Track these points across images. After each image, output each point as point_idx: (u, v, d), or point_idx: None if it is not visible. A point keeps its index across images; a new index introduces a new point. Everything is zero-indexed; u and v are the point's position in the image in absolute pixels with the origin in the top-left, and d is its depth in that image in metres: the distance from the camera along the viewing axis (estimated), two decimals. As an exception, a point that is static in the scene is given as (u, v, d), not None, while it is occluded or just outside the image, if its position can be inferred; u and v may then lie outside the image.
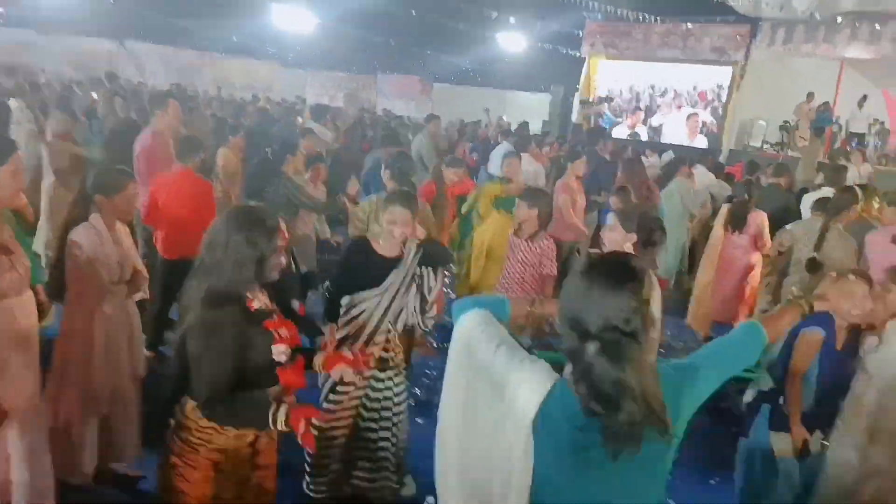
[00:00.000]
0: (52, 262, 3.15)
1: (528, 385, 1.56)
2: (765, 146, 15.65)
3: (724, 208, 5.96)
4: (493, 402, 1.63)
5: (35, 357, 2.71)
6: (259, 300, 2.24)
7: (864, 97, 14.33)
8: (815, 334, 2.89)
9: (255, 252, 2.16)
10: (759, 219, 5.64)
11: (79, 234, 3.00)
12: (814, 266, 4.58)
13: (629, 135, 16.64)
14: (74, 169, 5.39)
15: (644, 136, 16.68)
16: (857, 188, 5.10)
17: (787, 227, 4.98)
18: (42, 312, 3.19)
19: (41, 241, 4.97)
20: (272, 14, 18.95)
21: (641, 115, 17.12)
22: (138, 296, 3.35)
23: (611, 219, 3.17)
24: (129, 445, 3.28)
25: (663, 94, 17.43)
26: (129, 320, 3.23)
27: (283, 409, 2.11)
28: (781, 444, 2.92)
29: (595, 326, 1.49)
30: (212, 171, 6.06)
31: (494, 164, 7.31)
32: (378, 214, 3.21)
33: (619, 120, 17.48)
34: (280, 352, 2.23)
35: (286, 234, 2.45)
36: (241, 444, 2.26)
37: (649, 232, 3.09)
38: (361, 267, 3.15)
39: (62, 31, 18.93)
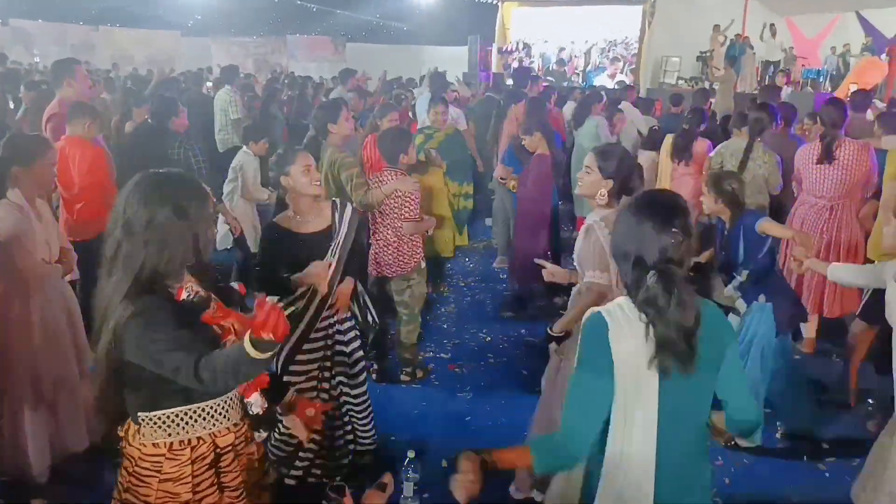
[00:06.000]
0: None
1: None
2: (679, 82, 15.98)
3: (668, 139, 6.00)
4: None
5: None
6: (188, 288, 1.80)
7: (773, 25, 14.78)
8: None
9: (187, 225, 1.74)
10: (702, 147, 5.71)
11: (-2, 214, 2.72)
12: None
13: (616, 83, 16.31)
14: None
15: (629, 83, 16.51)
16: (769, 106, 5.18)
17: (718, 147, 5.09)
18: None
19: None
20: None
21: (620, 64, 16.98)
22: (69, 276, 3.11)
23: (588, 159, 2.82)
24: (76, 434, 3.07)
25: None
26: (66, 303, 3.00)
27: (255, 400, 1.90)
28: None
29: (652, 259, 1.71)
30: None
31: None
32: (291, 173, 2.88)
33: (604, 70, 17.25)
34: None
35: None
36: (198, 468, 1.85)
37: (628, 177, 2.90)
38: (286, 257, 2.87)
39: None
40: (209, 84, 10.31)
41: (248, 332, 1.61)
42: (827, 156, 4.31)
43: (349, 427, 3.33)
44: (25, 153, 2.84)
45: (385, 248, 4.03)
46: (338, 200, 3.12)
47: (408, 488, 3.12)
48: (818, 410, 3.97)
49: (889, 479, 2.57)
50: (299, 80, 11.05)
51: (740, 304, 3.51)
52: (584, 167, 2.84)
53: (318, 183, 2.93)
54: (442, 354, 4.77)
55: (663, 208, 1.77)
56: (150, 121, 4.87)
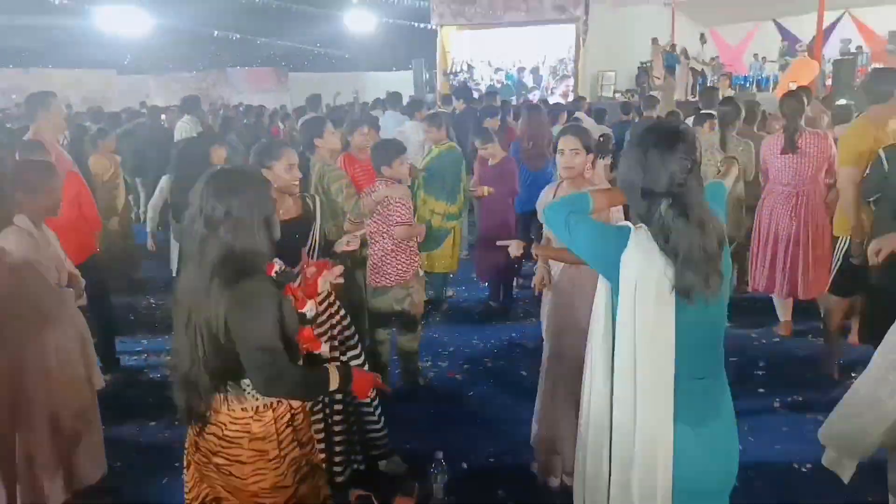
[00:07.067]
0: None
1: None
2: (616, 95, 16.57)
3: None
4: None
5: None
6: (277, 261, 2.03)
7: (703, 35, 15.56)
8: None
9: (263, 211, 1.94)
10: None
11: (8, 240, 2.64)
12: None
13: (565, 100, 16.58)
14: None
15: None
16: (736, 101, 5.53)
17: None
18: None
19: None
20: (98, 18, 17.45)
21: (571, 81, 17.30)
22: (79, 302, 3.04)
23: (568, 142, 2.95)
24: (95, 464, 2.99)
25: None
26: (78, 330, 2.91)
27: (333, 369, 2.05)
28: None
29: (661, 187, 1.70)
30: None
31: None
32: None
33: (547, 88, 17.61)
34: (310, 308, 2.08)
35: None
36: (280, 426, 2.04)
37: (607, 147, 3.10)
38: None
39: None
40: (163, 116, 10.14)
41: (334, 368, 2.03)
42: (790, 146, 4.59)
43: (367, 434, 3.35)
44: (32, 179, 2.79)
45: (383, 258, 4.06)
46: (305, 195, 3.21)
47: (437, 490, 3.15)
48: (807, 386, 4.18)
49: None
50: (254, 109, 10.99)
51: None
52: (566, 151, 2.95)
53: (297, 182, 3.02)
54: (439, 363, 4.80)
55: (666, 134, 1.75)
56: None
